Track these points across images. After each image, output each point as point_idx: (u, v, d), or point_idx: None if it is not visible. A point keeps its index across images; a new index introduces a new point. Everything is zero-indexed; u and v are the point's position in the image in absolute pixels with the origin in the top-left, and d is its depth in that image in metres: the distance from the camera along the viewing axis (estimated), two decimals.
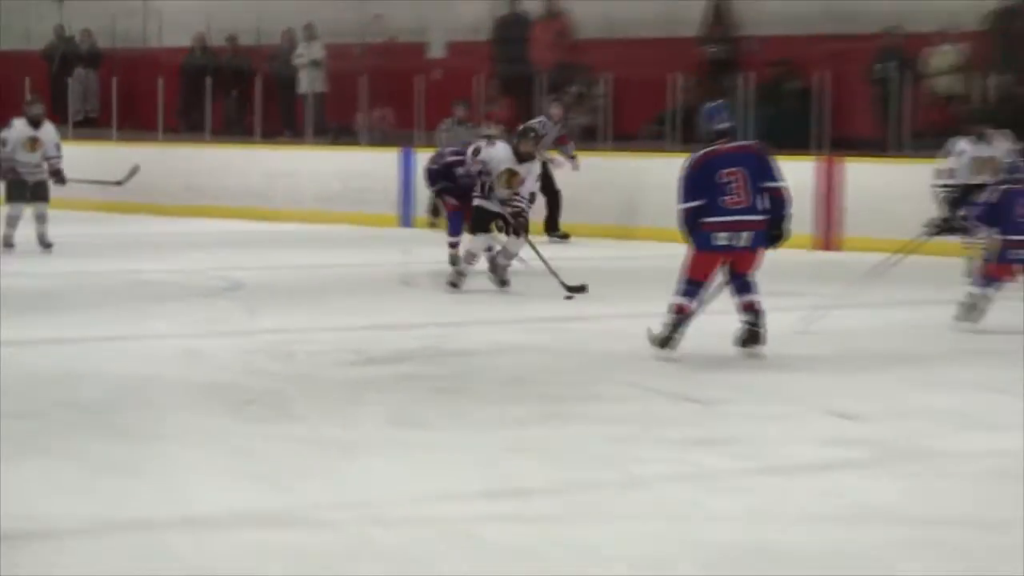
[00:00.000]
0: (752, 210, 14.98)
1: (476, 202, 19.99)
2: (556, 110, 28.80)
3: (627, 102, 33.14)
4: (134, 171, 26.11)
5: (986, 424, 13.24)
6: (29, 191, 23.78)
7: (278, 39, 38.46)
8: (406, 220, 33.65)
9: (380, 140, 35.20)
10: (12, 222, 23.77)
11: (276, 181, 35.01)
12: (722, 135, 15.40)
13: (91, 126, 32.58)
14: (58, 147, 24.40)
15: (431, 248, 27.65)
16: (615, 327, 18.12)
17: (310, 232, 31.24)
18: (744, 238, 14.98)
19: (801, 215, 27.04)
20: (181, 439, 12.25)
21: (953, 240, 20.04)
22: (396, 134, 34.84)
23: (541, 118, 27.97)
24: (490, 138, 20.57)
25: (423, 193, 32.52)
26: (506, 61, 35.32)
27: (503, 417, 13.12)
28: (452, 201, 23.27)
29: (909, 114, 29.51)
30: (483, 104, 33.02)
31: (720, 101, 17.05)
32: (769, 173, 15.27)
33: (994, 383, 14.77)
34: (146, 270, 23.58)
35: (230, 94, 38.17)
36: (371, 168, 34.66)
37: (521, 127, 20.80)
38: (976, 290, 16.64)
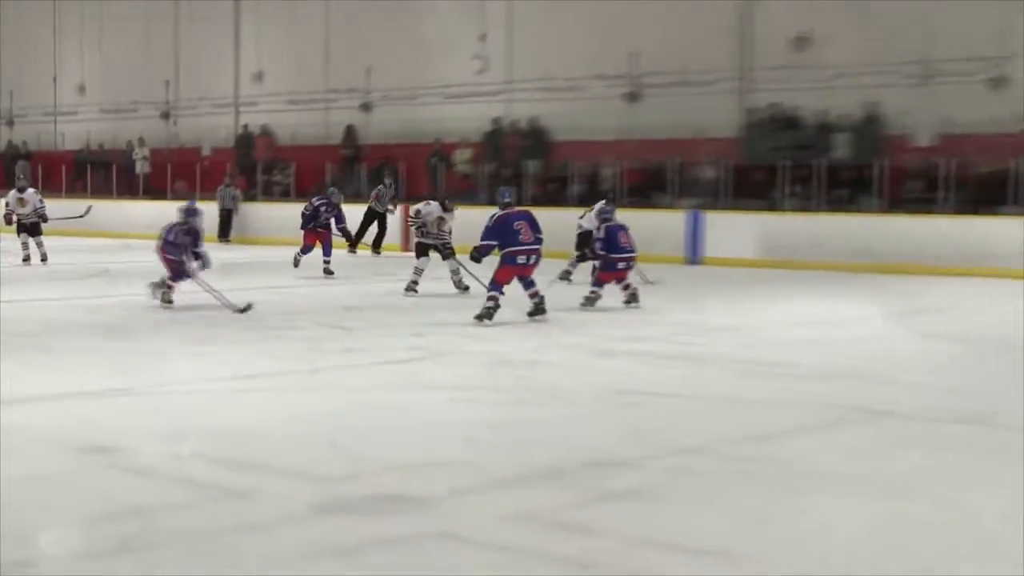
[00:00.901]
0: (535, 243, 14.57)
1: (417, 238, 18.33)
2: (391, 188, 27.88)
3: (303, 178, 32.73)
4: (88, 209, 25.73)
5: (490, 339, 13.31)
6: (28, 229, 23.28)
7: (125, 145, 37.70)
8: None
9: (179, 197, 34.49)
10: (24, 247, 23.15)
11: (126, 217, 34.27)
12: (509, 204, 14.94)
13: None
14: (41, 201, 23.85)
15: (213, 252, 27.38)
16: (311, 292, 18.09)
17: (142, 244, 30.52)
18: (532, 259, 14.59)
19: (392, 232, 26.99)
20: (76, 351, 12.36)
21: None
22: (187, 194, 34.23)
23: (380, 187, 27.52)
24: (426, 201, 18.59)
25: (207, 223, 32.25)
26: (243, 157, 34.91)
27: (246, 338, 13.20)
28: (308, 237, 21.45)
29: (445, 184, 29.49)
30: (233, 177, 32.60)
31: (508, 186, 16.76)
32: (538, 226, 14.79)
33: (532, 327, 14.51)
34: (58, 262, 23.04)
35: (100, 173, 37.32)
36: (173, 211, 33.55)
37: (443, 197, 18.91)
38: (594, 288, 16.15)
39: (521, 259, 14.60)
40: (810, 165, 25.05)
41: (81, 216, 25.42)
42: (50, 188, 35.73)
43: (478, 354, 12.31)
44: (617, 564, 5.61)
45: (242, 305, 15.18)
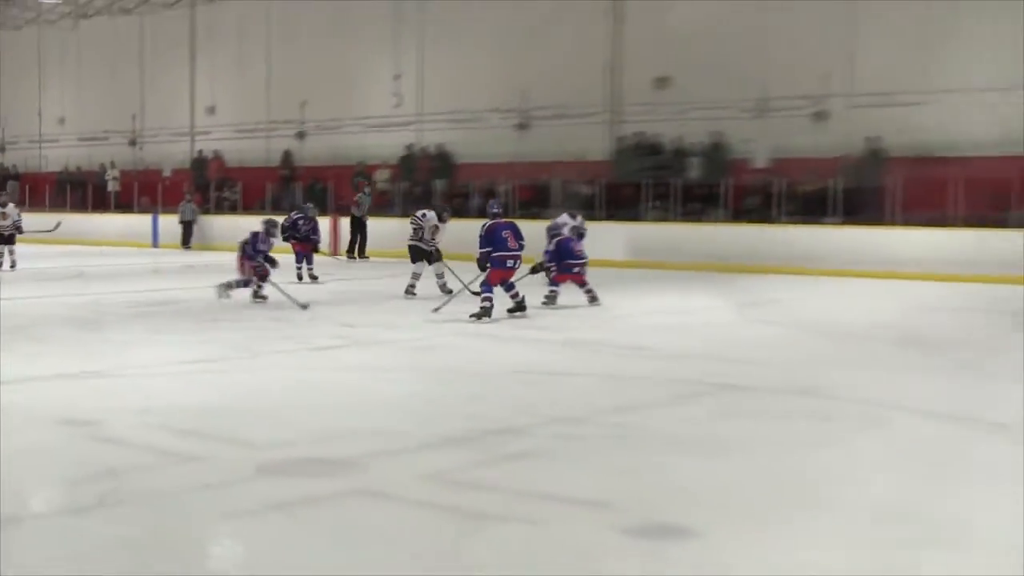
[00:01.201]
0: (519, 250, 14.14)
1: (411, 242, 17.07)
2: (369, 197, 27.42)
3: (248, 195, 32.44)
4: (57, 225, 25.09)
5: (408, 329, 13.24)
6: (4, 240, 22.66)
7: (98, 167, 37.19)
8: (155, 244, 32.63)
9: (144, 210, 34.17)
10: None
11: (101, 227, 33.86)
12: (497, 215, 14.50)
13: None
14: (19, 215, 23.19)
15: (172, 256, 27.02)
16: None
17: (113, 250, 30.17)
18: (517, 263, 14.20)
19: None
20: (55, 339, 12.12)
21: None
22: (150, 208, 33.85)
23: (360, 195, 27.17)
24: (430, 207, 17.79)
25: (167, 232, 31.95)
26: (198, 177, 34.50)
27: (200, 328, 13.06)
28: (296, 246, 20.17)
29: (439, 198, 29.42)
30: (191, 194, 32.20)
31: (496, 199, 16.17)
32: (520, 235, 14.33)
33: (443, 318, 14.60)
34: (40, 267, 22.62)
35: (78, 191, 36.71)
36: (139, 222, 33.54)
37: (442, 209, 17.51)
38: (553, 288, 15.68)
39: (509, 263, 14.18)
40: (668, 183, 25.13)
41: (50, 231, 24.86)
42: (36, 204, 35.60)
43: (398, 341, 12.19)
44: (513, 514, 5.61)
45: (304, 303, 15.01)
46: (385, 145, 30.83)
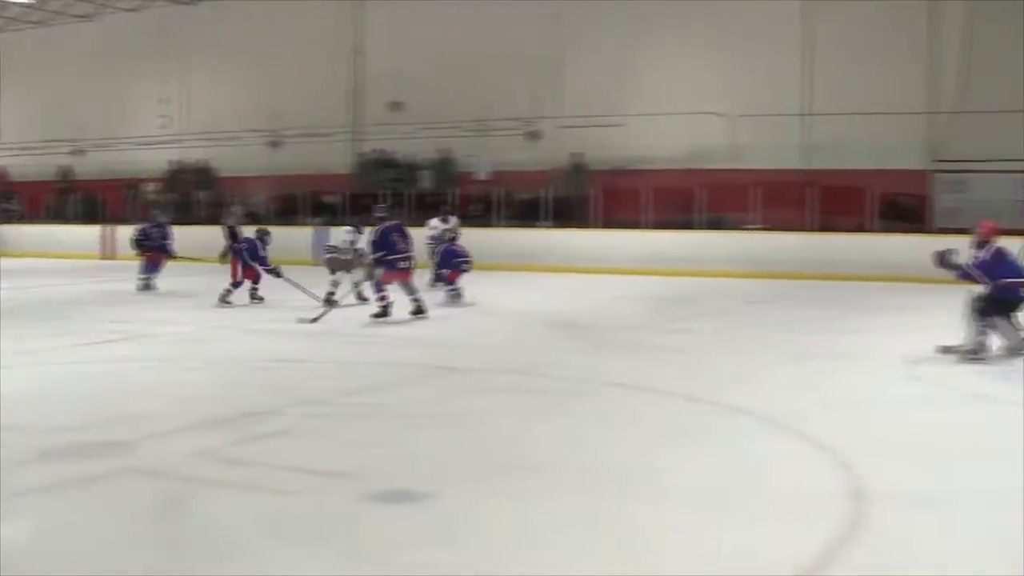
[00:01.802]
0: (409, 250, 13.22)
1: (329, 254, 15.59)
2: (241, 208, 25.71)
3: (33, 206, 31.14)
4: None
5: (175, 323, 12.92)
6: None
7: None
8: None
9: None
10: None
11: None
12: (384, 218, 13.38)
13: None
14: None
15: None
16: (40, 292, 17.04)
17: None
18: (411, 265, 13.24)
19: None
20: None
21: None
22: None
23: (233, 207, 25.42)
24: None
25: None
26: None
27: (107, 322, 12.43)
28: (148, 253, 17.82)
29: (139, 208, 28.58)
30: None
31: (383, 204, 15.03)
32: (408, 235, 13.35)
33: (211, 313, 14.24)
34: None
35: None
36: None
37: (356, 225, 15.76)
38: (450, 288, 15.20)
39: (402, 264, 13.29)
40: (403, 193, 25.33)
41: None
42: None
43: (165, 335, 11.92)
44: (267, 484, 5.62)
45: (315, 317, 13.32)
46: (153, 160, 30.23)
